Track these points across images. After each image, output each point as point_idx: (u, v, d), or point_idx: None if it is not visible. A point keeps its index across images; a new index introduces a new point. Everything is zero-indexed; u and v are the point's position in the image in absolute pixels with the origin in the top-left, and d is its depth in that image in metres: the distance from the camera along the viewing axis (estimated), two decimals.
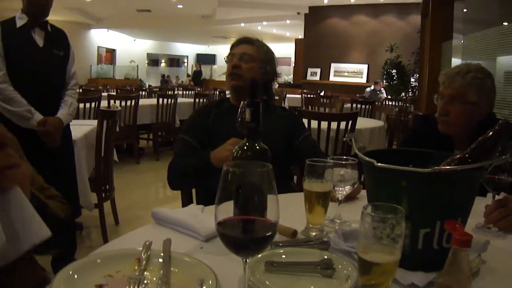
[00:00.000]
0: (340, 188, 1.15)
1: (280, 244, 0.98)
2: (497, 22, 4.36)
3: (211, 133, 1.69)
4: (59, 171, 2.25)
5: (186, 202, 1.84)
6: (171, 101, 5.91)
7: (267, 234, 0.67)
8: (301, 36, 13.24)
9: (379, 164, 0.84)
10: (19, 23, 2.27)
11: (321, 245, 0.97)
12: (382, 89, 9.45)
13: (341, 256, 0.91)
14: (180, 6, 12.19)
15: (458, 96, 1.60)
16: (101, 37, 16.61)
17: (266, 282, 0.81)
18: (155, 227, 1.12)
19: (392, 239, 0.67)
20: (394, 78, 9.31)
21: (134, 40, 18.77)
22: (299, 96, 8.50)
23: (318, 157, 1.12)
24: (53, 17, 2.38)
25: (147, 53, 19.92)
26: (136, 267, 0.85)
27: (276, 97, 7.25)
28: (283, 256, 0.91)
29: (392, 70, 9.36)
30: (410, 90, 9.17)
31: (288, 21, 13.63)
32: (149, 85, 13.26)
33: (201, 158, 1.55)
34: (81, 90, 6.35)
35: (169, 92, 6.98)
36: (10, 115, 2.20)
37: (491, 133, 0.87)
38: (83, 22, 14.50)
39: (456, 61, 5.35)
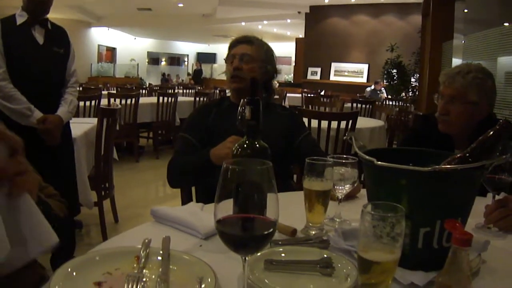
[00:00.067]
0: (340, 187, 1.15)
1: (280, 243, 0.97)
2: (498, 23, 4.35)
3: (211, 132, 1.68)
4: (58, 169, 2.25)
5: (185, 200, 1.84)
6: (171, 99, 5.91)
7: (267, 232, 0.66)
8: (301, 35, 13.23)
9: (379, 162, 0.84)
10: (19, 20, 2.27)
11: (321, 244, 0.97)
12: (382, 88, 9.45)
13: (341, 255, 0.91)
14: (180, 5, 12.18)
15: (459, 96, 1.59)
16: (101, 35, 16.60)
17: (265, 280, 0.81)
18: (154, 225, 1.12)
19: (392, 238, 0.67)
20: (395, 78, 9.31)
21: (135, 38, 18.77)
22: (299, 95, 8.49)
23: (318, 156, 1.11)
24: (53, 15, 2.38)
25: (148, 52, 19.91)
26: (135, 265, 0.85)
27: (276, 96, 7.26)
28: (283, 255, 0.90)
29: (393, 70, 9.36)
30: (410, 90, 9.16)
31: (288, 20, 13.62)
32: (150, 84, 13.27)
33: (201, 156, 1.55)
34: (81, 88, 6.35)
35: (169, 91, 6.98)
36: (10, 112, 2.20)
37: (491, 132, 0.87)
38: (83, 20, 14.49)
39: (456, 61, 5.35)
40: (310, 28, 12.15)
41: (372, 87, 9.52)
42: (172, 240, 0.91)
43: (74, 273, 0.79)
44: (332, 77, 11.72)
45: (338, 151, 3.10)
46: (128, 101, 5.33)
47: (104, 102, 5.03)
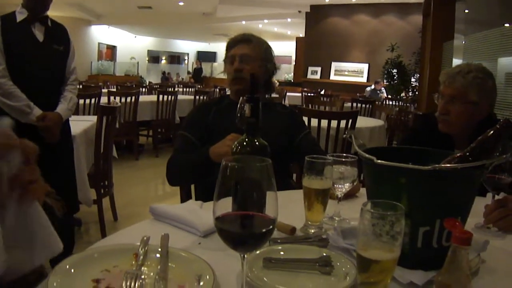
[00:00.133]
0: (340, 186, 1.14)
1: (279, 241, 0.97)
2: (499, 23, 4.35)
3: (211, 130, 1.68)
4: (58, 166, 2.24)
5: (185, 198, 1.84)
6: (171, 98, 5.91)
7: (266, 230, 0.66)
8: (302, 34, 13.22)
9: (379, 161, 0.84)
10: (19, 17, 2.26)
11: (320, 242, 0.97)
12: (382, 88, 9.45)
13: (340, 253, 0.90)
14: (181, 4, 12.18)
15: (459, 95, 1.59)
16: (101, 34, 16.59)
17: (264, 278, 0.81)
18: (153, 222, 1.12)
19: (392, 236, 0.67)
20: (395, 77, 9.32)
21: (135, 36, 18.76)
22: (299, 94, 8.50)
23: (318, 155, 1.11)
24: (53, 13, 2.38)
25: (148, 50, 19.90)
26: (133, 262, 0.84)
27: (276, 95, 7.27)
28: (282, 253, 0.90)
29: (393, 69, 9.36)
30: (410, 90, 9.17)
31: (289, 20, 13.62)
32: (150, 82, 13.25)
33: (200, 154, 1.55)
34: (81, 86, 6.35)
35: (169, 89, 6.97)
36: (9, 109, 2.19)
37: (492, 132, 0.86)
38: (83, 18, 14.48)
39: (457, 62, 5.35)
40: (310, 28, 12.15)
41: (372, 86, 9.52)
42: (170, 238, 0.91)
43: (72, 270, 0.79)
44: (332, 77, 11.72)
45: (338, 150, 3.10)
46: (128, 99, 5.32)
47: (104, 100, 5.03)
